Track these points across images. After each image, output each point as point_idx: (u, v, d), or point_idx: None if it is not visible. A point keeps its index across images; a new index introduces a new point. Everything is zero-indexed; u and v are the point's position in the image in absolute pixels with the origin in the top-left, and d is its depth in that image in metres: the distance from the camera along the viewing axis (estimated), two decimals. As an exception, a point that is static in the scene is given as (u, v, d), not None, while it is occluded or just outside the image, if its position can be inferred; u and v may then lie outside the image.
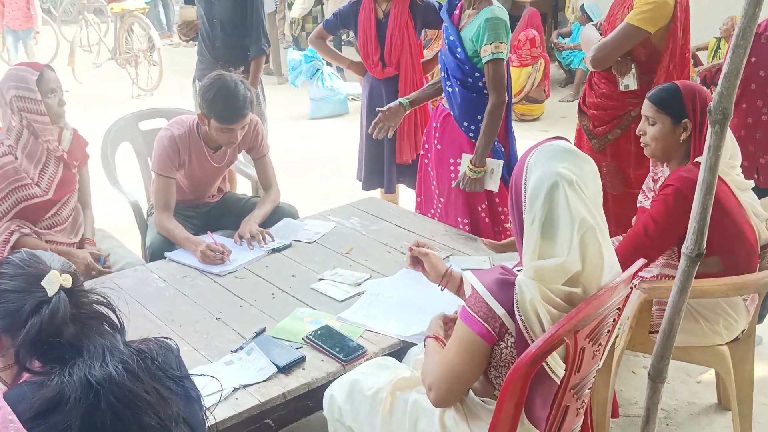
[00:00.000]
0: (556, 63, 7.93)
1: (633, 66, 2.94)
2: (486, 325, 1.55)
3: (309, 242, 2.83)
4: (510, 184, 1.69)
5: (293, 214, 3.13)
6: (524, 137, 6.22)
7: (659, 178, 2.46)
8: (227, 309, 2.34)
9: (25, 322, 1.18)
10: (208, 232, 2.85)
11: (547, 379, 1.55)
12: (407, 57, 3.58)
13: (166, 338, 1.31)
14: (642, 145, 2.43)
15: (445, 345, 1.81)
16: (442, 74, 3.08)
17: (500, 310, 1.53)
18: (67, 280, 1.23)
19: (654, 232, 2.22)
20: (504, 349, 1.57)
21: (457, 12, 3.00)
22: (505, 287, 1.55)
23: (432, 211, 3.28)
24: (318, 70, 7.12)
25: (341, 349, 2.06)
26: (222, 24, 3.86)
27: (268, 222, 2.99)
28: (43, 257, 1.30)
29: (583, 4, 7.54)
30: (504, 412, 1.54)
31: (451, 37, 2.97)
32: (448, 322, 1.96)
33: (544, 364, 1.51)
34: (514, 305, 1.53)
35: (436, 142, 3.17)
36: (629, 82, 2.96)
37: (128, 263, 2.85)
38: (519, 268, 1.68)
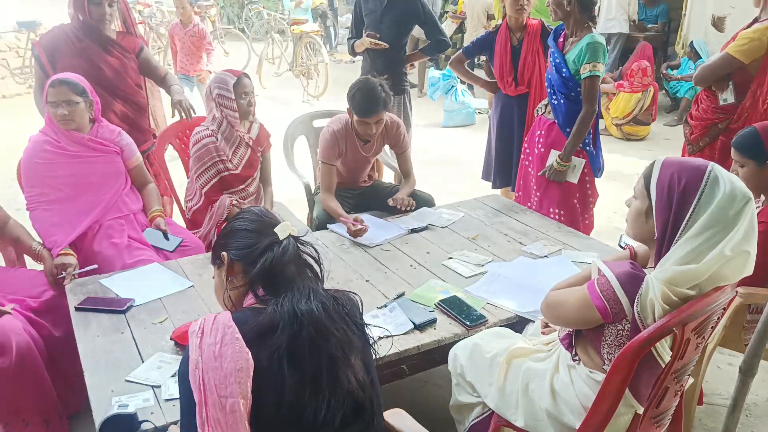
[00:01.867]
0: (664, 91, 7.44)
1: (730, 84, 3.03)
2: (607, 305, 1.49)
3: (442, 227, 2.84)
4: (664, 192, 1.47)
5: (430, 201, 3.17)
6: (630, 155, 5.94)
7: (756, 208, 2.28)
8: (374, 274, 2.39)
9: (258, 256, 1.25)
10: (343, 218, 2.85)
11: (653, 361, 1.48)
12: (537, 77, 3.51)
13: (353, 292, 1.34)
14: None
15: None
16: (549, 90, 3.17)
17: (624, 300, 1.47)
18: (294, 231, 1.31)
19: None
20: (620, 331, 1.51)
21: (561, 39, 3.11)
22: (633, 281, 1.47)
23: (529, 203, 3.32)
24: (453, 87, 7.09)
25: (466, 316, 2.06)
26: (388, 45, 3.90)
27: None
28: (271, 214, 1.37)
29: (692, 41, 7.03)
30: (611, 385, 1.49)
31: (557, 60, 3.06)
32: None
33: (652, 348, 1.44)
34: (636, 298, 1.46)
35: (540, 146, 3.23)
36: (727, 96, 3.07)
37: (298, 231, 2.97)
38: (649, 266, 1.59)
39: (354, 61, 9.93)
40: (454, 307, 2.10)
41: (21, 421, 2.18)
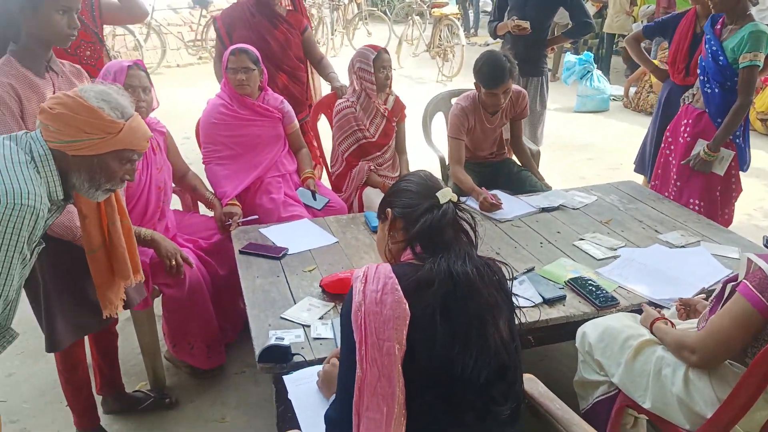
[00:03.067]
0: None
1: None
2: (766, 302, 1.38)
3: (574, 208, 2.74)
4: None
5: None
6: (774, 151, 5.36)
7: None
8: (504, 247, 2.36)
9: (419, 216, 1.30)
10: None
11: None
12: None
13: (504, 263, 1.34)
14: None
15: (670, 324, 1.67)
16: (701, 78, 2.90)
17: None
18: (454, 198, 1.33)
19: None
20: None
21: (718, 27, 2.83)
22: None
23: (666, 193, 3.09)
24: (589, 72, 6.73)
25: (597, 296, 1.98)
26: (531, 28, 3.76)
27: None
28: (435, 179, 1.40)
29: None
30: (752, 378, 1.38)
31: (714, 47, 2.79)
32: (688, 303, 1.80)
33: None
34: None
35: (686, 135, 2.99)
36: None
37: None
38: None
39: (489, 45, 9.71)
40: (585, 287, 2.03)
41: (187, 344, 2.43)
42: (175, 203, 2.81)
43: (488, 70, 2.83)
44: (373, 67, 2.95)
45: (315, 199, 2.79)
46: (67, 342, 1.96)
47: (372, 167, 3.06)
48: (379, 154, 3.11)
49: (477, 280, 1.20)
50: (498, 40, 4.14)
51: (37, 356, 2.66)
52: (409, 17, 9.65)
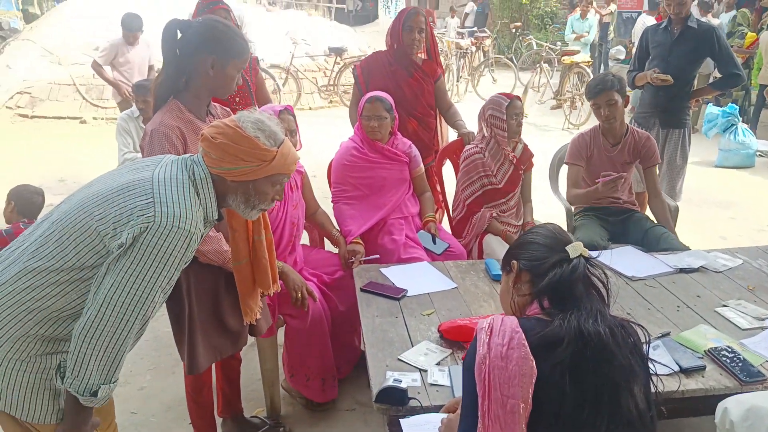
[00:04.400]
0: None
1: None
2: None
3: (716, 271, 2.52)
4: None
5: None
6: None
7: None
8: (636, 308, 2.22)
9: (547, 270, 1.27)
10: None
11: None
12: None
13: (640, 324, 1.28)
14: None
15: None
16: None
17: None
18: (585, 252, 1.30)
19: None
20: None
21: None
22: None
23: None
24: (733, 125, 6.27)
25: (742, 369, 1.80)
26: (673, 77, 3.61)
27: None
28: (565, 233, 1.38)
29: None
30: None
31: None
32: None
33: None
34: None
35: None
36: None
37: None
38: None
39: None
40: (728, 359, 1.85)
41: (304, 375, 2.51)
42: (304, 238, 2.96)
43: (593, 83, 3.04)
44: (506, 114, 2.97)
45: (435, 242, 2.81)
46: (206, 364, 2.10)
47: (494, 214, 3.04)
48: (503, 201, 3.09)
49: (610, 342, 1.14)
50: (636, 89, 3.99)
51: (167, 372, 2.88)
52: (537, 65, 9.60)
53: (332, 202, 2.94)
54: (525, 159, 3.13)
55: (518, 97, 3.04)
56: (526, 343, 1.13)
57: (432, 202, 3.08)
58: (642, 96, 3.85)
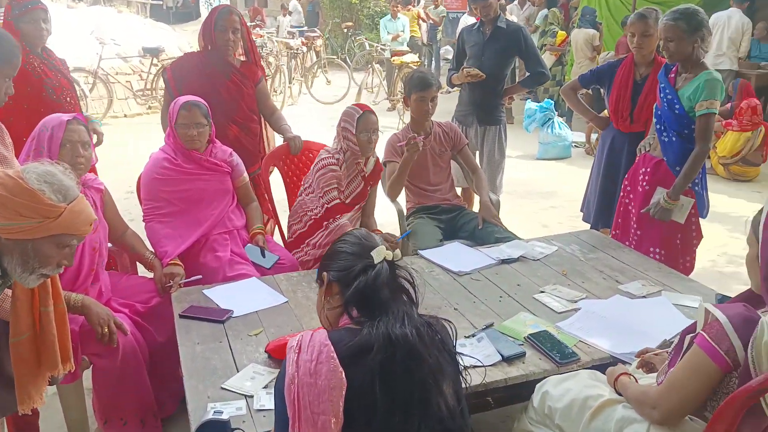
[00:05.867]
0: (777, 131, 6.94)
1: None
2: (725, 355, 1.39)
3: (534, 260, 2.76)
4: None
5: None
6: (738, 196, 5.56)
7: None
8: (463, 302, 2.35)
9: (353, 279, 1.28)
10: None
11: (760, 412, 1.35)
12: None
13: (448, 320, 1.34)
14: None
15: (633, 379, 1.67)
16: (658, 127, 3.01)
17: (737, 342, 1.37)
18: (389, 255, 1.32)
19: None
20: (731, 379, 1.40)
21: (672, 75, 2.96)
22: (747, 323, 1.38)
23: (626, 242, 3.15)
24: (550, 119, 6.97)
25: (558, 352, 1.98)
26: (487, 75, 3.90)
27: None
28: (375, 237, 1.40)
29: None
30: (713, 436, 1.38)
31: (669, 96, 2.91)
32: (649, 355, 1.81)
33: (761, 399, 1.32)
34: (750, 341, 1.36)
35: (645, 184, 3.07)
36: None
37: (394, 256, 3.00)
38: (763, 310, 1.49)
39: (450, 91, 9.96)
40: (545, 342, 2.03)
41: (119, 419, 2.31)
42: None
43: (417, 77, 3.25)
44: (356, 127, 2.92)
45: (264, 256, 2.75)
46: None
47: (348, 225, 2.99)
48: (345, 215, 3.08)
49: (417, 343, 1.19)
50: (456, 88, 4.26)
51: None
52: (369, 65, 9.89)
53: (144, 221, 2.75)
54: (375, 174, 3.12)
55: (371, 111, 2.97)
56: (335, 356, 1.14)
57: (260, 212, 3.01)
58: (460, 95, 4.13)
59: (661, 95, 2.96)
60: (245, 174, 2.98)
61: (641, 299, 2.38)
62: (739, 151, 5.98)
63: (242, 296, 2.36)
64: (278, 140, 3.83)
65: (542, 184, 6.02)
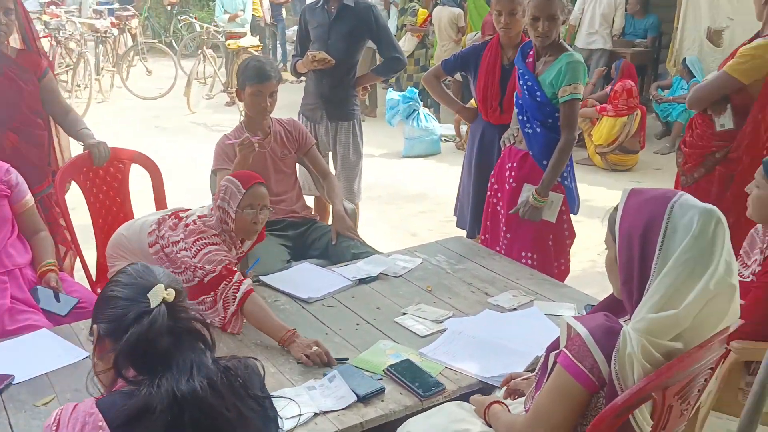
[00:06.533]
0: (654, 115, 7.71)
1: (728, 106, 3.06)
2: (589, 374, 1.48)
3: (396, 276, 2.83)
4: (625, 234, 1.55)
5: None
6: (616, 187, 6.07)
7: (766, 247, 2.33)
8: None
9: (126, 329, 1.23)
10: None
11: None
12: None
13: (254, 358, 1.32)
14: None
15: (506, 408, 1.77)
16: (520, 118, 3.19)
17: (599, 356, 1.47)
18: (171, 294, 1.28)
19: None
20: (599, 399, 1.51)
21: (530, 60, 3.15)
22: (609, 335, 1.48)
23: (497, 247, 3.33)
24: (415, 110, 7.21)
25: (420, 384, 2.03)
26: (336, 62, 3.94)
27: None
28: (156, 271, 1.35)
29: (684, 58, 7.35)
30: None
31: (529, 83, 3.11)
32: (515, 381, 1.93)
33: (630, 417, 1.44)
34: (614, 354, 1.46)
35: (511, 180, 3.25)
36: (725, 121, 3.10)
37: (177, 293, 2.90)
38: (625, 318, 1.61)
39: (302, 80, 10.00)
40: (407, 374, 2.08)
41: None
42: None
43: (254, 67, 3.18)
44: (240, 204, 2.54)
45: (58, 300, 2.58)
46: None
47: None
48: None
49: (208, 395, 1.17)
50: (301, 78, 4.27)
51: None
52: (200, 51, 9.66)
53: None
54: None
55: (261, 182, 2.63)
56: (105, 424, 1.11)
57: (51, 243, 2.82)
58: (306, 85, 4.14)
59: (521, 82, 3.15)
60: (29, 195, 2.78)
61: (512, 312, 2.52)
62: (616, 138, 6.55)
63: (27, 355, 2.19)
64: (76, 149, 3.62)
65: (409, 187, 6.21)
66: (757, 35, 3.08)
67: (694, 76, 6.99)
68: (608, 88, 7.00)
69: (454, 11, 8.42)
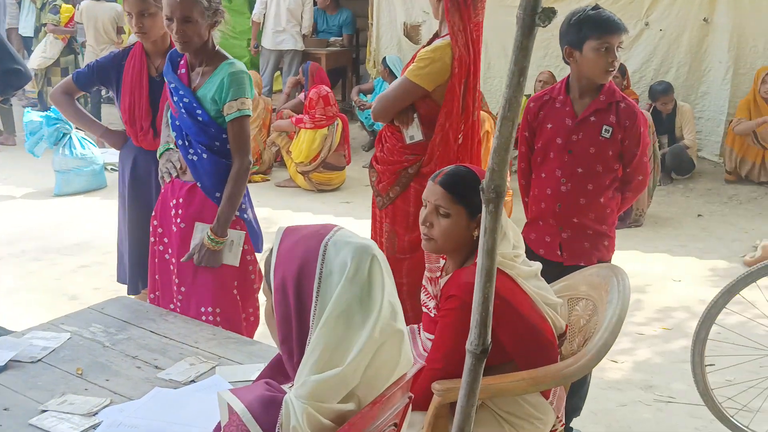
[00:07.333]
0: (359, 123, 8.20)
1: (415, 116, 3.25)
2: None
3: (33, 361, 2.64)
4: (279, 283, 1.60)
5: None
6: (324, 211, 6.37)
7: (438, 277, 2.54)
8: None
9: None
10: None
11: None
12: None
13: None
14: (424, 238, 2.47)
15: None
16: (179, 143, 3.17)
17: None
18: None
19: (451, 358, 2.29)
20: None
21: (183, 71, 3.15)
22: (269, 407, 1.51)
23: (171, 305, 3.29)
24: (65, 135, 6.87)
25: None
26: None
27: None
28: None
29: (385, 57, 7.91)
30: None
31: (186, 99, 3.10)
32: None
33: None
34: (276, 429, 1.49)
35: (179, 221, 3.22)
36: (414, 132, 3.27)
37: None
38: (290, 384, 1.65)
39: None
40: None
41: None
42: None
43: None
44: None
45: None
46: None
47: None
48: None
49: None
50: None
51: None
52: None
53: None
54: None
55: None
56: None
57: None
58: None
59: (175, 99, 3.13)
60: None
61: (189, 386, 2.48)
62: (318, 154, 6.87)
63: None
64: None
65: (66, 234, 5.94)
66: (436, 36, 3.37)
67: (397, 77, 7.57)
68: (302, 95, 7.29)
69: (114, 7, 8.26)
